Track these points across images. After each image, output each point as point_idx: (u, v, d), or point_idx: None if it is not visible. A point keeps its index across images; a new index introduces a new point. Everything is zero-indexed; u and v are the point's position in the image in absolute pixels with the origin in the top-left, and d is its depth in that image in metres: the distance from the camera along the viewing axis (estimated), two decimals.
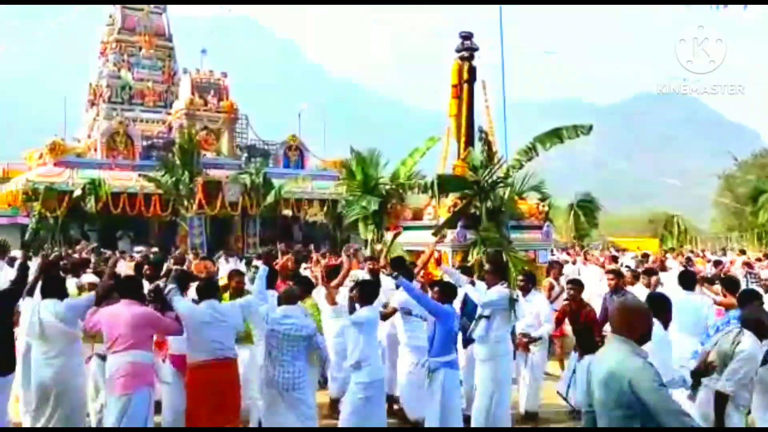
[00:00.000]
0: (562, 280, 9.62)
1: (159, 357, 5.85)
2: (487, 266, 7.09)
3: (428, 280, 7.92)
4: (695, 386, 4.69)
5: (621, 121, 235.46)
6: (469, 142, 11.72)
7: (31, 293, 6.04)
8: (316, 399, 6.06)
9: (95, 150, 23.97)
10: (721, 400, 4.38)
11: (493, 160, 10.98)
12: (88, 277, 7.61)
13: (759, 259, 16.52)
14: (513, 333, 6.85)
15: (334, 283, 6.92)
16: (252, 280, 7.51)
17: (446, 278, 7.24)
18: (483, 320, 6.24)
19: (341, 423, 5.78)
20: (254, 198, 23.05)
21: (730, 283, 6.88)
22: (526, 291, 7.35)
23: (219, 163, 24.32)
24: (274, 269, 6.69)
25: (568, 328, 7.78)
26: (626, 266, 12.45)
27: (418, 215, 11.86)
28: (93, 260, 10.18)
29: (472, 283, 6.88)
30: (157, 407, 5.68)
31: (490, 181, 10.58)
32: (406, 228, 11.82)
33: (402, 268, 6.71)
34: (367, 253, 11.54)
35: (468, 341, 6.70)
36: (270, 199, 22.66)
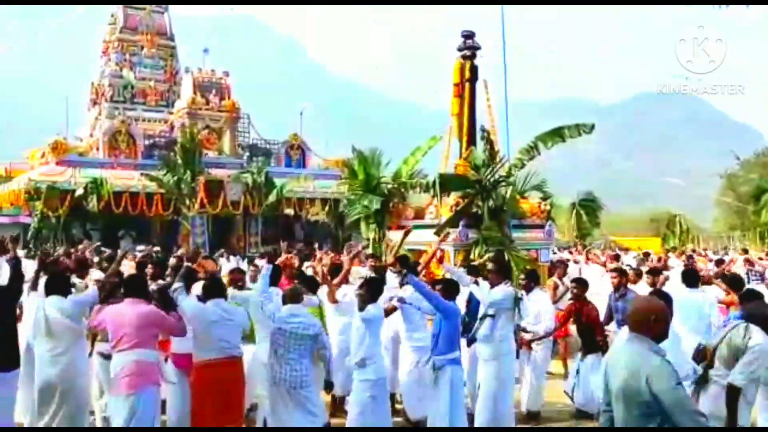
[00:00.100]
0: (566, 280, 9.61)
1: (161, 356, 5.85)
2: (489, 266, 7.08)
3: (430, 279, 7.92)
4: (701, 383, 4.67)
5: (623, 121, 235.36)
6: (471, 141, 11.72)
7: (34, 287, 6.04)
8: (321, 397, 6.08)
9: (97, 149, 23.99)
10: (733, 393, 4.36)
11: (495, 159, 10.99)
12: (96, 274, 7.60)
13: (761, 258, 16.48)
14: (515, 332, 6.84)
15: (335, 281, 6.94)
16: (253, 279, 7.52)
17: (447, 276, 7.23)
18: (488, 319, 6.24)
19: (350, 423, 5.78)
20: (256, 197, 23.05)
21: (734, 282, 6.87)
22: (528, 289, 7.36)
23: (221, 162, 24.32)
24: (277, 267, 6.69)
25: (573, 327, 7.78)
26: (627, 265, 12.44)
27: (419, 214, 11.86)
28: (96, 259, 10.18)
29: (476, 283, 6.88)
30: (161, 407, 5.68)
31: (492, 180, 10.60)
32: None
33: (407, 266, 6.72)
34: (368, 251, 11.55)
35: (472, 340, 6.70)
36: (272, 198, 22.67)
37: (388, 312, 6.53)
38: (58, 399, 5.28)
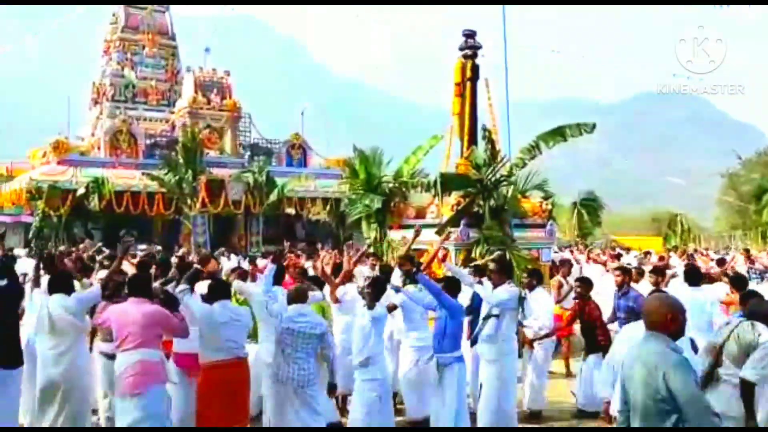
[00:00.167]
0: (570, 279, 9.62)
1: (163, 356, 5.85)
2: (492, 265, 7.08)
3: (432, 279, 7.91)
4: (708, 382, 4.63)
5: (624, 120, 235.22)
6: (472, 141, 11.72)
7: (37, 284, 6.02)
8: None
9: (98, 148, 24.03)
10: (747, 388, 4.33)
11: (496, 158, 10.98)
12: (102, 273, 7.59)
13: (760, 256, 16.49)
14: (517, 331, 6.84)
15: (337, 280, 6.95)
16: (253, 278, 7.53)
17: (449, 275, 7.22)
18: (492, 319, 6.20)
19: (356, 423, 5.79)
20: (257, 196, 23.08)
21: (738, 281, 6.85)
22: (531, 287, 7.36)
23: (222, 161, 24.35)
24: (282, 267, 6.67)
25: (576, 327, 7.78)
26: (627, 264, 12.44)
27: (421, 214, 11.85)
28: (98, 259, 10.17)
29: (480, 283, 6.88)
30: None
31: (493, 179, 10.60)
32: (408, 227, 11.82)
33: (412, 265, 6.73)
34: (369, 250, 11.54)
35: (475, 340, 6.67)
36: (273, 197, 22.69)
37: (389, 310, 6.55)
38: (61, 398, 5.27)
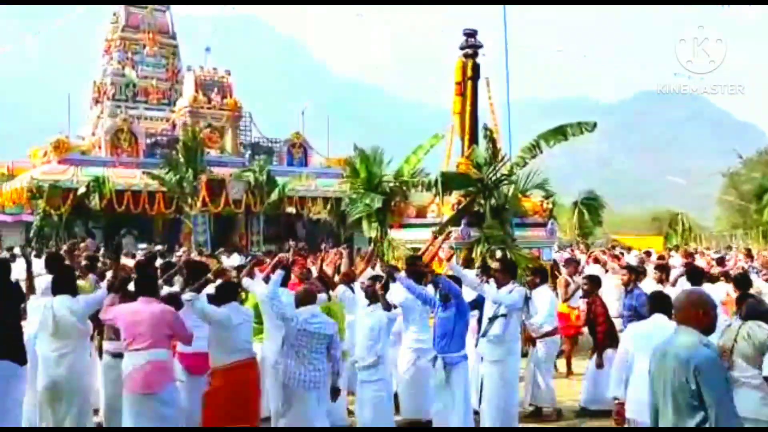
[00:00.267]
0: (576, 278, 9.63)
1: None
2: (495, 265, 7.07)
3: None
4: None
5: (625, 120, 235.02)
6: (473, 140, 11.72)
7: (32, 290, 6.00)
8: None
9: (99, 148, 24.03)
10: None
11: (497, 157, 10.98)
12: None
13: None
14: (521, 330, 6.84)
15: (337, 279, 6.96)
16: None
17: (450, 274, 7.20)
18: (501, 319, 6.14)
19: (365, 423, 5.79)
20: (258, 196, 23.09)
21: (741, 281, 6.83)
22: (534, 286, 7.37)
23: (223, 160, 24.36)
24: (289, 272, 6.63)
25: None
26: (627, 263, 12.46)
27: (421, 213, 11.87)
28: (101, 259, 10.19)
29: (487, 282, 6.87)
30: None
31: (494, 178, 10.61)
32: (409, 226, 11.83)
33: (415, 266, 6.74)
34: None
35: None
36: (274, 196, 22.70)
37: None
38: (63, 399, 5.26)
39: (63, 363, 5.26)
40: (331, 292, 6.75)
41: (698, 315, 3.18)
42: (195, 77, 25.39)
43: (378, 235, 12.47)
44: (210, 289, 5.82)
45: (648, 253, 16.71)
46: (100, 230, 22.40)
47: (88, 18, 39.98)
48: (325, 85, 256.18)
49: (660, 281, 8.19)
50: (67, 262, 7.84)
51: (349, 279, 7.28)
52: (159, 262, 9.73)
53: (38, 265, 7.77)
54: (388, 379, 5.81)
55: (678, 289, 7.59)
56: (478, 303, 6.52)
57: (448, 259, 7.04)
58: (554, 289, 8.86)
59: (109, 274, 6.49)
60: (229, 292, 5.62)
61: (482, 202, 10.53)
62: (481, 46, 12.05)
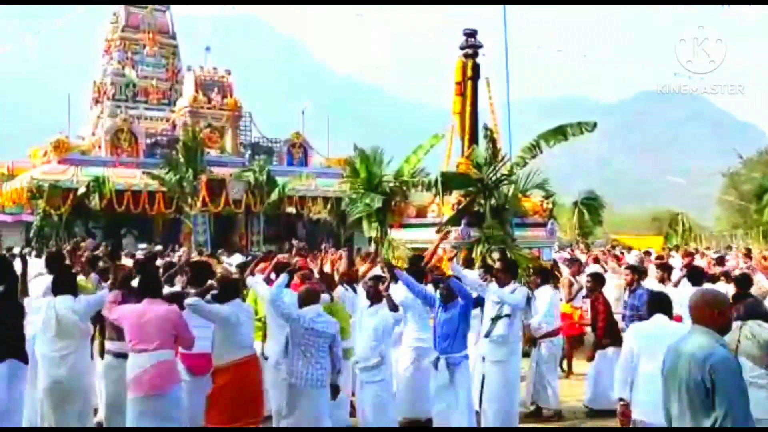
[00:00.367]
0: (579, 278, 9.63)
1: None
2: (497, 265, 7.08)
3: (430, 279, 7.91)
4: None
5: (625, 120, 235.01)
6: (473, 140, 11.73)
7: (25, 293, 5.97)
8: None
9: (99, 148, 24.04)
10: None
11: (497, 157, 10.99)
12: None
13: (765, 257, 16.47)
14: (523, 330, 6.85)
15: (337, 279, 6.96)
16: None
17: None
18: (505, 319, 6.14)
19: (367, 424, 5.79)
20: (258, 195, 23.09)
21: (743, 281, 6.83)
22: (536, 286, 7.37)
23: (223, 160, 24.36)
24: (292, 275, 6.63)
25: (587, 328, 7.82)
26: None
27: (421, 213, 11.87)
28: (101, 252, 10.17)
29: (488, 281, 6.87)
30: None
31: (494, 178, 10.62)
32: (409, 226, 11.84)
33: (418, 266, 6.74)
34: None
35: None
36: (274, 196, 22.70)
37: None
38: (66, 399, 5.25)
39: (64, 363, 5.25)
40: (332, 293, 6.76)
41: (713, 315, 3.17)
42: (195, 77, 25.39)
43: (378, 235, 12.49)
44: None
45: (648, 253, 16.71)
46: (100, 230, 22.40)
47: (88, 18, 39.99)
48: (325, 85, 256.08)
49: (662, 280, 8.19)
50: (68, 261, 7.82)
51: (348, 279, 7.28)
52: (159, 262, 9.75)
53: (38, 265, 7.78)
54: (390, 379, 5.81)
55: (680, 289, 7.61)
56: (479, 303, 6.52)
57: (450, 260, 7.05)
58: (556, 289, 8.86)
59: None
60: (232, 289, 5.63)
61: (482, 202, 10.54)
62: (481, 46, 12.06)
